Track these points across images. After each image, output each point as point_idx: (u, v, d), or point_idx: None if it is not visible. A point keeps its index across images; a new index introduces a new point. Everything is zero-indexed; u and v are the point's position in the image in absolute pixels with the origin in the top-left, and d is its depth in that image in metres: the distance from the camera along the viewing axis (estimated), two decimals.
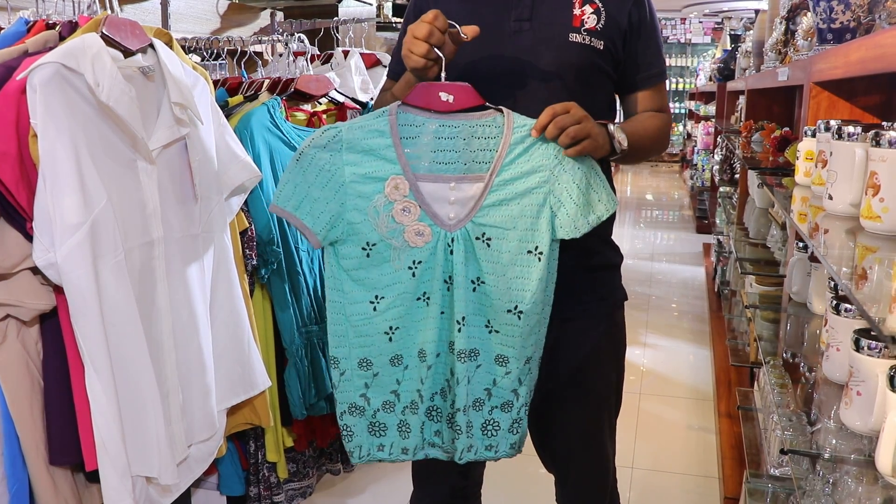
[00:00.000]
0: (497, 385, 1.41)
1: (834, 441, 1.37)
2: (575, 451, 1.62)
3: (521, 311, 1.36)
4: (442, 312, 1.37)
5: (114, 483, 1.44)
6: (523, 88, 1.44)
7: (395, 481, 2.65)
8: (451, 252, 1.35)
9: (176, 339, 1.64)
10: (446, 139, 1.34)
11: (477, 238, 1.36)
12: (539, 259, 1.35)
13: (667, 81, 1.61)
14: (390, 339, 1.39)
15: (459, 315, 1.36)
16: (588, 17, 1.47)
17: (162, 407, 1.57)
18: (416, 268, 1.36)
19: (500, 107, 1.34)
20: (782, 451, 1.43)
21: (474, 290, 1.37)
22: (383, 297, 1.37)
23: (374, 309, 1.38)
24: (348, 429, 1.44)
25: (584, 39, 1.45)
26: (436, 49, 1.29)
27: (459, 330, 1.36)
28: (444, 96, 1.32)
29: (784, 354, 1.92)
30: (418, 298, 1.37)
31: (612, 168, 1.63)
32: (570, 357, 1.54)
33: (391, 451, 1.45)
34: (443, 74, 1.32)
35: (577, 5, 1.47)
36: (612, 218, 1.46)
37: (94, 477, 1.50)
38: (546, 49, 1.44)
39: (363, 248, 1.35)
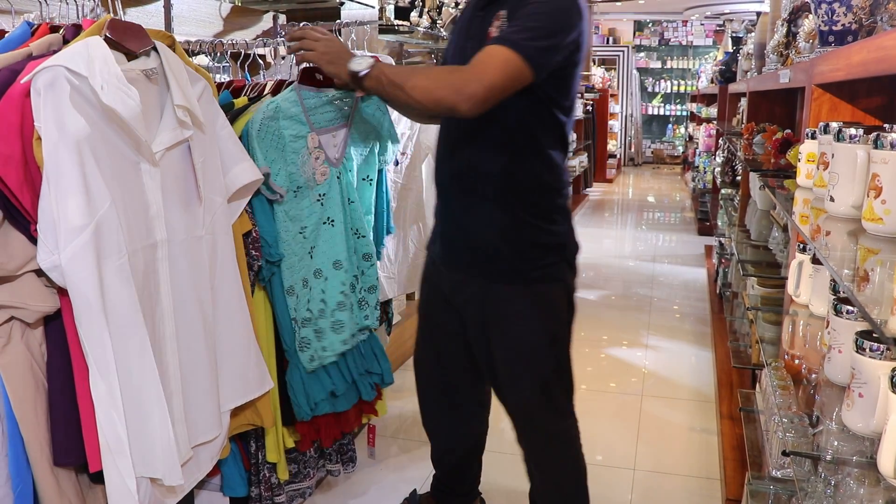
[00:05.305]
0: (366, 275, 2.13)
1: (835, 443, 1.38)
2: (507, 392, 1.86)
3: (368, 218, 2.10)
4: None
5: (118, 484, 1.44)
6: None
7: (395, 483, 2.65)
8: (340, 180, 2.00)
9: (180, 341, 1.64)
10: (326, 103, 1.98)
11: (347, 169, 2.01)
12: (370, 184, 2.15)
13: (518, 51, 1.49)
14: (311, 257, 1.98)
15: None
16: (495, 31, 1.57)
17: (167, 408, 1.57)
18: (322, 199, 2.00)
19: None
20: (784, 453, 1.43)
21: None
22: (306, 227, 1.97)
23: (304, 237, 1.97)
24: (305, 340, 1.97)
25: None
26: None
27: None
28: (318, 76, 1.99)
29: (786, 356, 1.92)
30: (323, 223, 2.00)
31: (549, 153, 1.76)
32: (495, 315, 1.76)
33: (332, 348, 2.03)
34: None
35: (494, 21, 1.58)
36: (547, 195, 1.71)
37: (98, 478, 1.50)
38: None
39: (293, 192, 1.94)
